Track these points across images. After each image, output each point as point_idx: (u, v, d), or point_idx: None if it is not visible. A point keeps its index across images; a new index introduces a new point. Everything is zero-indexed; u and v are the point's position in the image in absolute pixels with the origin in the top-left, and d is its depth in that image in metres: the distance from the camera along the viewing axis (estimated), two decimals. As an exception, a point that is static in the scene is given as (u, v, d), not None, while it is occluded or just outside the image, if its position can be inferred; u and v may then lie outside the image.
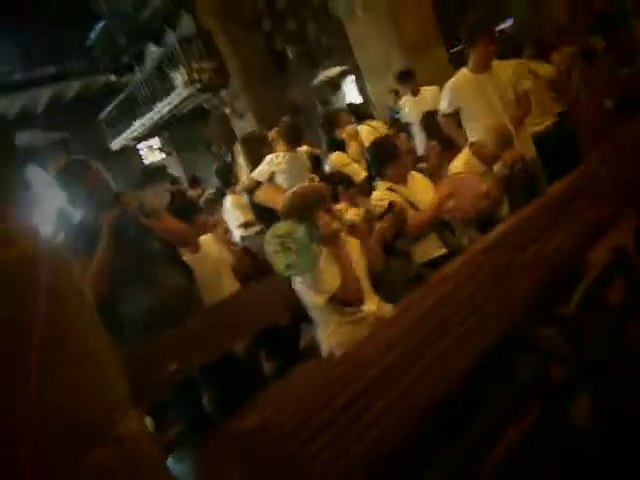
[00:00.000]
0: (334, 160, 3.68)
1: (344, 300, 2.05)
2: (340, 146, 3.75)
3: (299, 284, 2.11)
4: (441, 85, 7.68)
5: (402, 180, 2.80)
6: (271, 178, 3.50)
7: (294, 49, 10.17)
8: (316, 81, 11.90)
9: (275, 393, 1.27)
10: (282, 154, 3.61)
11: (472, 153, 2.89)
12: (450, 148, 3.42)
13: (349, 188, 2.74)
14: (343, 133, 3.78)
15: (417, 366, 1.35)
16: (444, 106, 3.36)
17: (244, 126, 11.71)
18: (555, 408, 1.40)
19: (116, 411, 0.87)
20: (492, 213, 2.90)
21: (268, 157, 3.67)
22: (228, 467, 1.16)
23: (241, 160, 4.87)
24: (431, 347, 1.31)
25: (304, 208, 2.11)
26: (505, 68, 3.19)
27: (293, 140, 3.60)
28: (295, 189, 2.29)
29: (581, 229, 1.85)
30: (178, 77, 11.08)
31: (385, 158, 2.74)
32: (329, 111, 4.11)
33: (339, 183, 2.76)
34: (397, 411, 1.27)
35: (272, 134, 4.01)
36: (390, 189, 2.75)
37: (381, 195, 2.74)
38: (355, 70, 9.99)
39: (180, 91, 11.23)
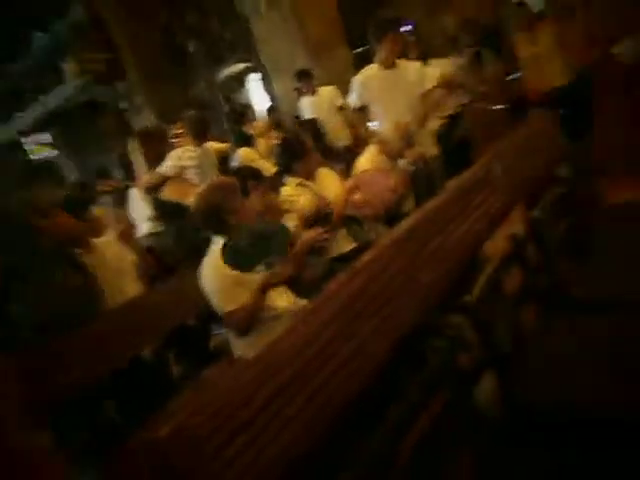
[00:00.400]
0: (242, 155, 3.60)
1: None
2: (248, 142, 3.68)
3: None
4: (344, 85, 7.84)
5: (311, 176, 2.81)
6: (179, 173, 3.35)
7: (195, 44, 9.88)
8: (220, 77, 11.66)
9: (188, 397, 1.20)
10: (192, 148, 3.47)
11: (378, 149, 2.97)
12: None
13: (260, 182, 2.70)
14: (252, 129, 3.72)
15: (333, 362, 1.34)
16: (354, 100, 3.40)
17: (142, 121, 11.20)
18: (462, 395, 1.46)
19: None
20: (398, 208, 2.99)
21: (176, 152, 3.51)
22: (137, 480, 1.08)
23: (137, 156, 4.62)
24: (347, 342, 1.31)
25: (218, 203, 2.11)
26: (410, 67, 3.31)
27: (200, 134, 3.47)
28: (208, 184, 2.27)
29: (480, 221, 1.96)
30: (68, 68, 10.33)
31: (294, 155, 2.74)
32: (238, 106, 3.99)
33: (249, 177, 2.72)
34: (314, 408, 1.26)
35: (176, 128, 3.83)
36: (300, 185, 2.75)
37: (291, 191, 2.74)
38: (260, 67, 9.91)
39: (70, 82, 10.49)
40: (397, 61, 3.23)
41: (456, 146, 4.46)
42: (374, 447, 1.30)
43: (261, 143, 3.68)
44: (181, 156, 3.37)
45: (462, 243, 1.83)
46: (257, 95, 12.10)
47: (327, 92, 5.08)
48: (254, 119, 3.77)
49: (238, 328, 2.12)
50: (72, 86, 10.49)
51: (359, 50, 10.48)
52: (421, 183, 3.12)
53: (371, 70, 3.33)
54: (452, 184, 2.12)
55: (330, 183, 2.88)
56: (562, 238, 1.95)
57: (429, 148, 3.28)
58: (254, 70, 12.37)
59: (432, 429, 1.45)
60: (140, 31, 10.25)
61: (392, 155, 2.93)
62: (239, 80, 11.69)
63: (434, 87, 3.31)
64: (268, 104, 8.91)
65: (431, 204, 1.95)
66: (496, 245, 1.94)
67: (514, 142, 2.35)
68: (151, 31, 10.32)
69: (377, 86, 3.20)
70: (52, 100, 11.03)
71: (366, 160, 2.99)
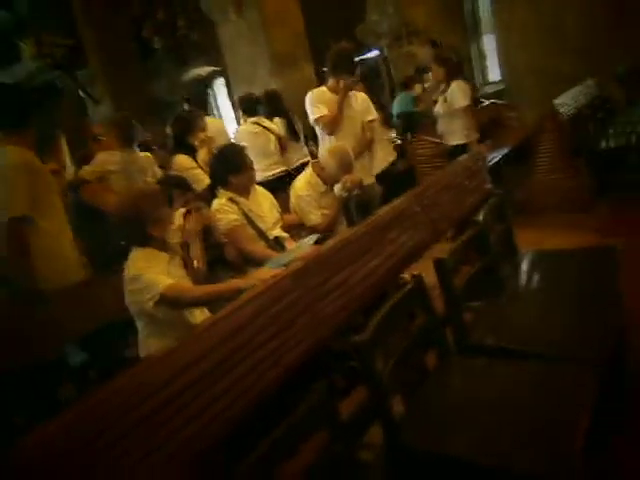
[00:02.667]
0: (178, 162, 3.53)
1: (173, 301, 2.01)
2: (189, 149, 3.60)
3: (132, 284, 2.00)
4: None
5: (245, 192, 2.79)
6: (101, 179, 3.22)
7: (161, 40, 9.75)
8: (185, 77, 11.52)
9: (83, 398, 1.18)
10: (117, 153, 3.33)
11: (314, 172, 2.99)
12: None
13: (185, 193, 2.65)
14: (196, 139, 3.63)
15: (218, 387, 1.33)
16: (313, 113, 3.37)
17: (100, 112, 10.92)
18: (345, 434, 1.45)
19: None
20: (330, 233, 3.01)
21: (100, 155, 3.36)
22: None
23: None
24: (223, 375, 1.32)
25: (138, 213, 2.04)
26: (357, 97, 3.36)
27: (128, 139, 3.35)
28: (128, 193, 2.21)
29: (393, 256, 2.00)
30: (26, 48, 9.97)
31: (230, 168, 2.72)
32: (184, 113, 3.86)
33: (175, 187, 2.67)
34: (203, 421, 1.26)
35: (103, 129, 3.65)
36: (231, 200, 2.72)
37: (222, 205, 2.71)
38: (226, 73, 9.85)
39: (27, 63, 10.12)
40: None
41: (397, 176, 4.56)
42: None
43: (202, 152, 3.60)
44: (105, 161, 3.25)
45: (370, 277, 1.86)
46: (222, 100, 12.04)
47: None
48: (202, 127, 3.67)
49: None
50: (28, 67, 10.12)
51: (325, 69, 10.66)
52: (356, 209, 3.17)
53: (322, 93, 3.36)
54: (372, 218, 2.15)
55: (264, 202, 2.87)
56: (469, 282, 2.00)
57: (368, 176, 3.33)
58: (221, 74, 12.32)
59: (315, 464, 1.44)
60: (108, 20, 10.02)
61: (327, 179, 2.96)
62: (204, 83, 11.59)
63: (375, 119, 3.39)
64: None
65: (344, 236, 1.98)
66: (402, 283, 1.98)
67: (439, 180, 2.42)
68: (119, 22, 10.12)
69: (325, 106, 3.24)
70: (4, 78, 10.58)
71: (302, 181, 3.01)
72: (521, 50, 5.96)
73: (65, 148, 3.65)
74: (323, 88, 3.42)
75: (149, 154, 3.72)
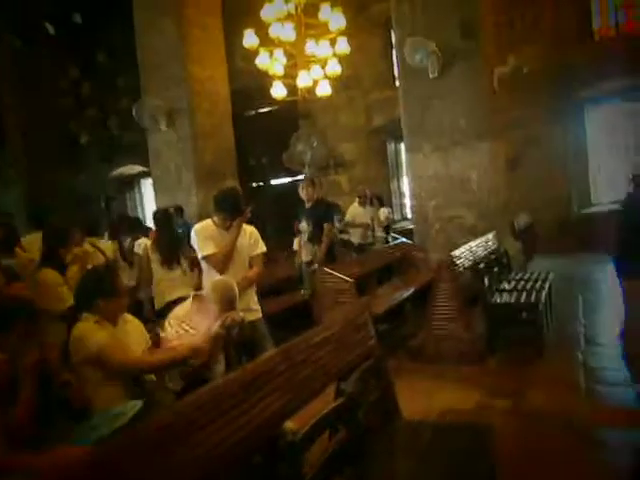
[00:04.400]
0: (42, 277, 3.17)
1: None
2: (59, 264, 3.24)
3: None
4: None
5: (112, 319, 2.51)
6: None
7: (88, 136, 9.65)
8: (112, 175, 11.30)
9: None
10: None
11: (195, 305, 2.78)
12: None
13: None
14: (68, 254, 3.31)
15: None
16: (201, 250, 3.19)
17: (12, 197, 10.36)
18: None
19: None
20: (204, 371, 2.74)
21: None
22: None
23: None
24: None
25: None
26: (245, 231, 3.24)
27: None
28: None
29: (253, 421, 1.76)
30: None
31: (101, 290, 2.45)
32: (56, 224, 3.53)
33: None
34: None
35: None
36: (98, 323, 2.43)
37: (88, 327, 2.40)
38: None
39: None
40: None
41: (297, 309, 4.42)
42: None
43: (73, 268, 3.26)
44: None
45: (220, 448, 1.60)
46: (148, 201, 11.82)
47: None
48: (77, 241, 3.37)
49: None
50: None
51: (254, 185, 10.93)
52: (237, 349, 2.94)
53: (208, 226, 3.23)
54: (245, 368, 1.94)
55: (134, 333, 2.60)
56: (329, 459, 1.79)
57: (253, 313, 3.15)
58: (149, 175, 12.25)
59: None
60: (33, 106, 9.87)
61: (206, 314, 2.75)
62: (130, 182, 11.42)
63: (262, 253, 3.29)
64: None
65: (198, 397, 1.74)
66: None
67: (315, 334, 2.25)
68: (48, 112, 10.00)
69: (211, 242, 3.10)
70: None
71: (181, 312, 2.78)
72: (430, 198, 6.35)
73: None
74: (208, 221, 3.29)
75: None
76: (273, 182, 10.79)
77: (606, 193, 9.02)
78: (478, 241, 5.34)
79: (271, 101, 6.93)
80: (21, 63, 9.41)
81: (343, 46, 6.40)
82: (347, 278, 4.55)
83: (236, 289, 2.79)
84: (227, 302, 2.72)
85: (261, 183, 10.63)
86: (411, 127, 6.45)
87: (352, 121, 11.01)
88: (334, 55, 6.55)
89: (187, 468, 1.52)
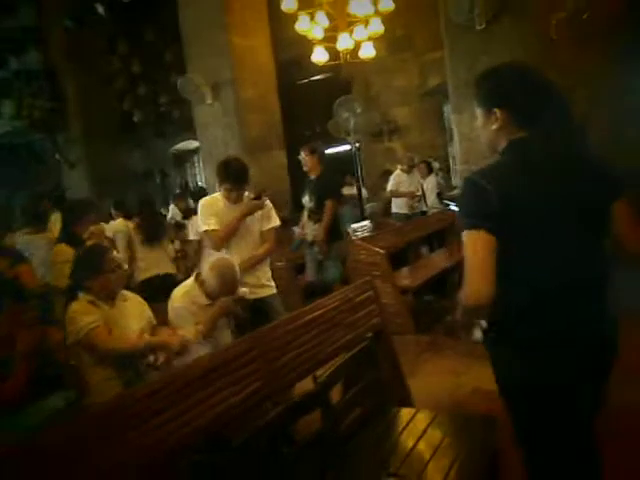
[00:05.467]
0: (56, 252, 3.24)
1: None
2: (76, 240, 3.30)
3: None
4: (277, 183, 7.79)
5: (107, 297, 2.48)
6: None
7: (141, 114, 9.85)
8: (170, 151, 11.52)
9: None
10: None
11: (196, 284, 2.69)
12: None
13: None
14: (85, 230, 3.35)
15: None
16: (204, 224, 3.10)
17: (74, 177, 10.88)
18: None
19: None
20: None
21: None
22: None
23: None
24: None
25: None
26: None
27: None
28: None
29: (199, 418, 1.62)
30: (7, 108, 10.07)
31: (89, 269, 2.43)
32: (74, 201, 3.61)
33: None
34: None
35: None
36: (92, 303, 2.41)
37: (78, 308, 2.39)
38: (202, 151, 9.88)
39: (5, 122, 10.20)
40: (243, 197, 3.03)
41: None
42: None
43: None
44: None
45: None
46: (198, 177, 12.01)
47: None
48: (92, 218, 3.41)
49: None
50: (5, 126, 10.19)
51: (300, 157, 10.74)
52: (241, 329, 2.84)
53: (213, 201, 3.08)
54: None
55: (134, 312, 2.56)
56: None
57: (265, 289, 3.02)
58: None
59: None
60: (93, 90, 10.22)
61: (208, 294, 2.66)
62: (186, 158, 11.61)
63: (275, 227, 3.13)
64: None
65: (151, 384, 1.64)
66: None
67: (295, 317, 2.08)
68: (104, 92, 10.31)
69: (216, 219, 2.97)
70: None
71: (181, 292, 2.71)
72: (478, 162, 5.91)
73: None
74: (217, 195, 3.13)
75: None
76: (327, 151, 10.58)
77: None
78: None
79: (322, 69, 6.63)
80: (74, 45, 9.69)
81: (387, 3, 5.99)
82: (378, 249, 4.33)
83: (237, 269, 2.67)
84: (226, 284, 2.61)
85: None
86: (457, 86, 5.99)
87: (406, 84, 10.51)
88: (376, 13, 6.17)
89: (132, 456, 1.43)
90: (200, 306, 2.66)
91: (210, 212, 3.02)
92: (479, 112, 1.48)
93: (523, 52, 5.47)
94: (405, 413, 2.06)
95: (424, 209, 7.03)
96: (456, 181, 10.65)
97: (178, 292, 2.72)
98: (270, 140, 8.61)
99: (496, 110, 1.40)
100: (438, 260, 5.40)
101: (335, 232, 4.57)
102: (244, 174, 3.03)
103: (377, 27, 6.23)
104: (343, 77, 10.14)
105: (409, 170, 6.72)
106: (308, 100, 9.78)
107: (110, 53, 9.95)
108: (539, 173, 1.33)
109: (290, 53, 9.01)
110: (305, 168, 4.74)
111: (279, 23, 8.67)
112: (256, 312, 2.93)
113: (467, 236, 1.33)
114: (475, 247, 1.31)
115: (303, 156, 4.72)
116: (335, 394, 1.98)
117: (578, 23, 5.81)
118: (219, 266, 2.62)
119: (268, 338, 1.84)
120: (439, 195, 7.48)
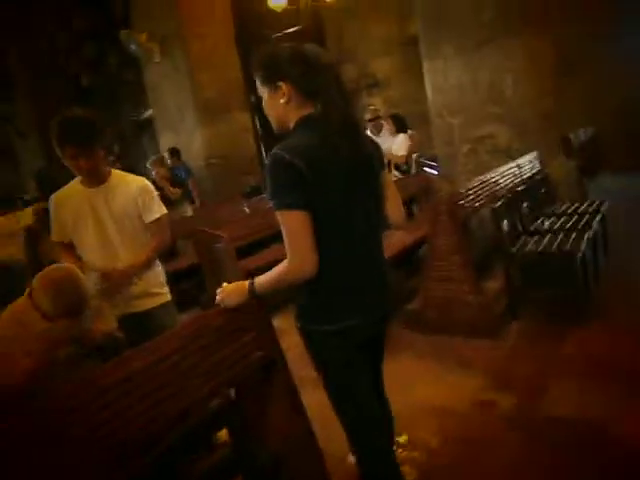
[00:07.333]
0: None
1: None
2: None
3: None
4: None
5: None
6: None
7: (89, 77, 8.91)
8: (129, 118, 10.59)
9: None
10: None
11: (30, 303, 1.96)
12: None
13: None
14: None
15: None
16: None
17: (28, 147, 10.06)
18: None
19: None
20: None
21: None
22: None
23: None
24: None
25: None
26: (129, 187, 2.20)
27: None
28: None
29: None
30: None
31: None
32: (44, 171, 2.99)
33: None
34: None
35: None
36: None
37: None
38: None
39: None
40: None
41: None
42: None
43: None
44: None
45: None
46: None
47: None
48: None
49: None
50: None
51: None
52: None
53: (69, 189, 2.25)
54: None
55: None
56: None
57: (153, 298, 2.27)
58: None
59: None
60: (35, 53, 9.25)
61: (45, 315, 1.94)
62: (145, 125, 10.71)
63: (163, 217, 2.31)
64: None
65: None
66: None
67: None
68: (48, 56, 9.33)
69: (67, 213, 2.17)
70: None
71: (6, 314, 2.00)
72: (454, 114, 5.10)
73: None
74: (71, 183, 2.24)
75: None
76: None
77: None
78: (509, 166, 4.14)
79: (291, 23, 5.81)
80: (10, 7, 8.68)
81: None
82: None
83: (83, 284, 1.91)
84: (66, 302, 1.87)
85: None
86: (427, 27, 5.12)
87: (383, 32, 9.50)
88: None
89: None
90: (31, 332, 1.92)
91: (57, 214, 2.24)
92: (265, 90, 1.45)
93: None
94: None
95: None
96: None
97: (4, 313, 1.99)
98: (229, 100, 7.69)
99: (281, 84, 1.40)
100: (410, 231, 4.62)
101: None
102: (87, 128, 2.07)
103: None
104: (319, 31, 9.16)
105: (377, 130, 5.72)
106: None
107: (53, 13, 8.92)
108: (333, 144, 1.35)
109: (252, 4, 8.02)
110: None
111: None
112: (136, 329, 2.19)
113: (281, 216, 1.33)
114: (291, 225, 1.32)
115: None
116: None
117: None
118: (54, 277, 1.87)
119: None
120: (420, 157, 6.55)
